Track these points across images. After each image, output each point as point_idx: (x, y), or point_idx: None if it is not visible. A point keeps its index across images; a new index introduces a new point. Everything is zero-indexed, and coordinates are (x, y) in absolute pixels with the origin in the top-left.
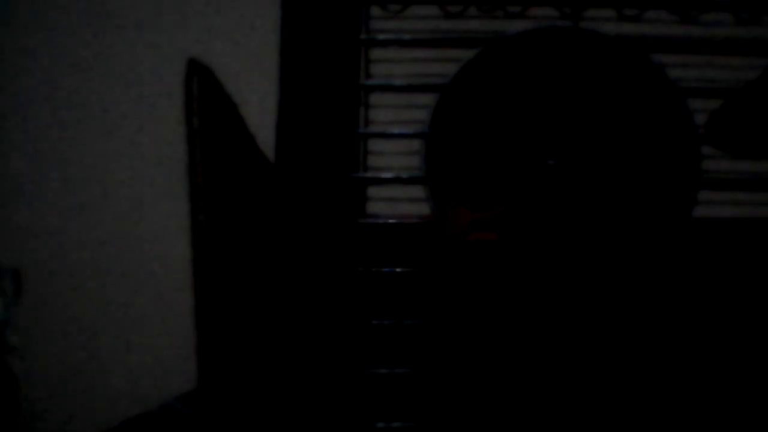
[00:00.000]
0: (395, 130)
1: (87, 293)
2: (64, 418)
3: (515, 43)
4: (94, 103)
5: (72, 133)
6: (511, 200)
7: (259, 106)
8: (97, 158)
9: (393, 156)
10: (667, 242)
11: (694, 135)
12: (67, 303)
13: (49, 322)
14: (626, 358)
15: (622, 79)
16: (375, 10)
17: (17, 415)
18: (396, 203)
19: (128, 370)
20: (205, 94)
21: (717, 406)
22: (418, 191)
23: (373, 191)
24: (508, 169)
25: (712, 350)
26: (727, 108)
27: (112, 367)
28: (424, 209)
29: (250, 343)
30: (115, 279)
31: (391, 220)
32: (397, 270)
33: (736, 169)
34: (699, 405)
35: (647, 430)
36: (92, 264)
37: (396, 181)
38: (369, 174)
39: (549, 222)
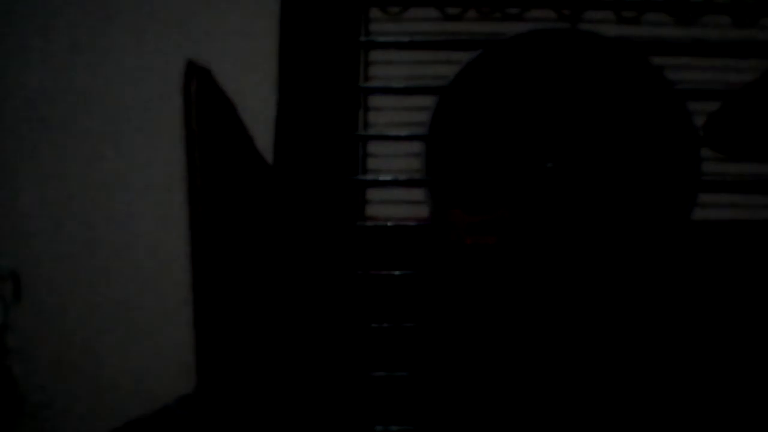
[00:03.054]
0: (394, 132)
1: (86, 295)
2: (64, 421)
3: (514, 45)
4: (95, 103)
5: (71, 134)
6: (509, 203)
7: (257, 109)
8: (96, 160)
9: (392, 158)
10: (666, 244)
11: (693, 137)
12: (67, 305)
13: (48, 324)
14: (627, 361)
15: (621, 81)
16: (374, 12)
17: (18, 418)
18: (395, 206)
19: (129, 371)
20: (204, 96)
21: (717, 409)
22: (417, 194)
23: (372, 193)
24: (506, 171)
25: (712, 353)
26: (725, 110)
27: (113, 368)
28: (423, 211)
29: (250, 346)
30: (114, 280)
31: (389, 223)
32: (396, 273)
33: (735, 172)
34: (699, 409)
35: None
36: (91, 266)
37: (394, 183)
38: (368, 177)
39: (547, 225)
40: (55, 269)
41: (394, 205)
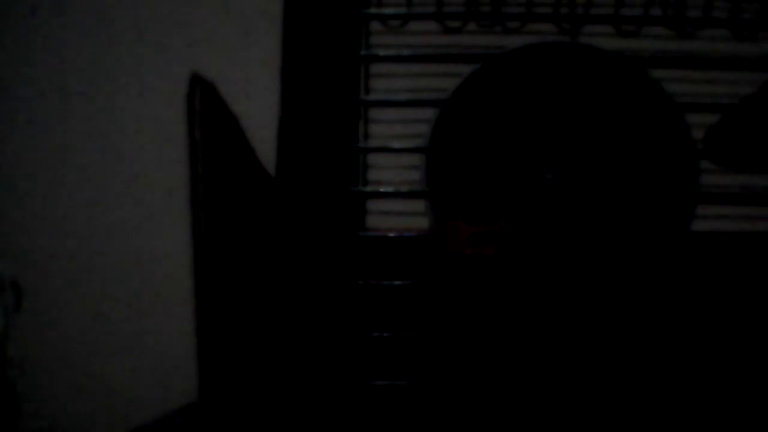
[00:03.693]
0: (395, 144)
1: (88, 305)
2: (65, 431)
3: (514, 58)
4: (97, 110)
5: (73, 142)
6: (510, 214)
7: (259, 122)
8: (98, 168)
9: (392, 170)
10: (666, 256)
11: (692, 149)
12: (68, 315)
13: (49, 334)
14: (627, 372)
15: (621, 94)
16: (375, 26)
17: (17, 428)
18: (395, 217)
19: (130, 381)
20: (207, 108)
21: (717, 421)
22: (417, 205)
23: (372, 205)
24: (507, 182)
25: (712, 364)
26: (724, 123)
27: (114, 378)
28: (423, 223)
29: (252, 356)
30: (116, 290)
31: (390, 234)
32: (396, 283)
33: (733, 184)
34: (699, 421)
35: None
36: (93, 275)
37: (395, 195)
38: (368, 188)
39: (548, 236)
40: (56, 279)
41: (395, 217)
